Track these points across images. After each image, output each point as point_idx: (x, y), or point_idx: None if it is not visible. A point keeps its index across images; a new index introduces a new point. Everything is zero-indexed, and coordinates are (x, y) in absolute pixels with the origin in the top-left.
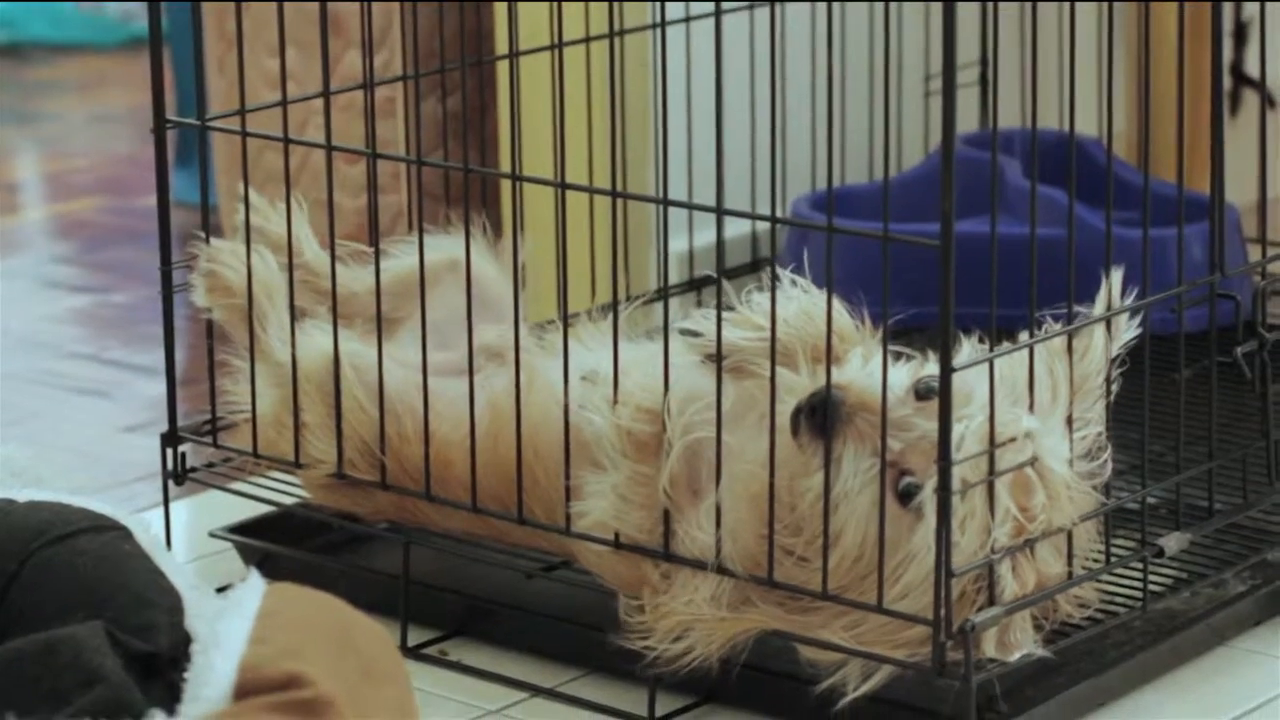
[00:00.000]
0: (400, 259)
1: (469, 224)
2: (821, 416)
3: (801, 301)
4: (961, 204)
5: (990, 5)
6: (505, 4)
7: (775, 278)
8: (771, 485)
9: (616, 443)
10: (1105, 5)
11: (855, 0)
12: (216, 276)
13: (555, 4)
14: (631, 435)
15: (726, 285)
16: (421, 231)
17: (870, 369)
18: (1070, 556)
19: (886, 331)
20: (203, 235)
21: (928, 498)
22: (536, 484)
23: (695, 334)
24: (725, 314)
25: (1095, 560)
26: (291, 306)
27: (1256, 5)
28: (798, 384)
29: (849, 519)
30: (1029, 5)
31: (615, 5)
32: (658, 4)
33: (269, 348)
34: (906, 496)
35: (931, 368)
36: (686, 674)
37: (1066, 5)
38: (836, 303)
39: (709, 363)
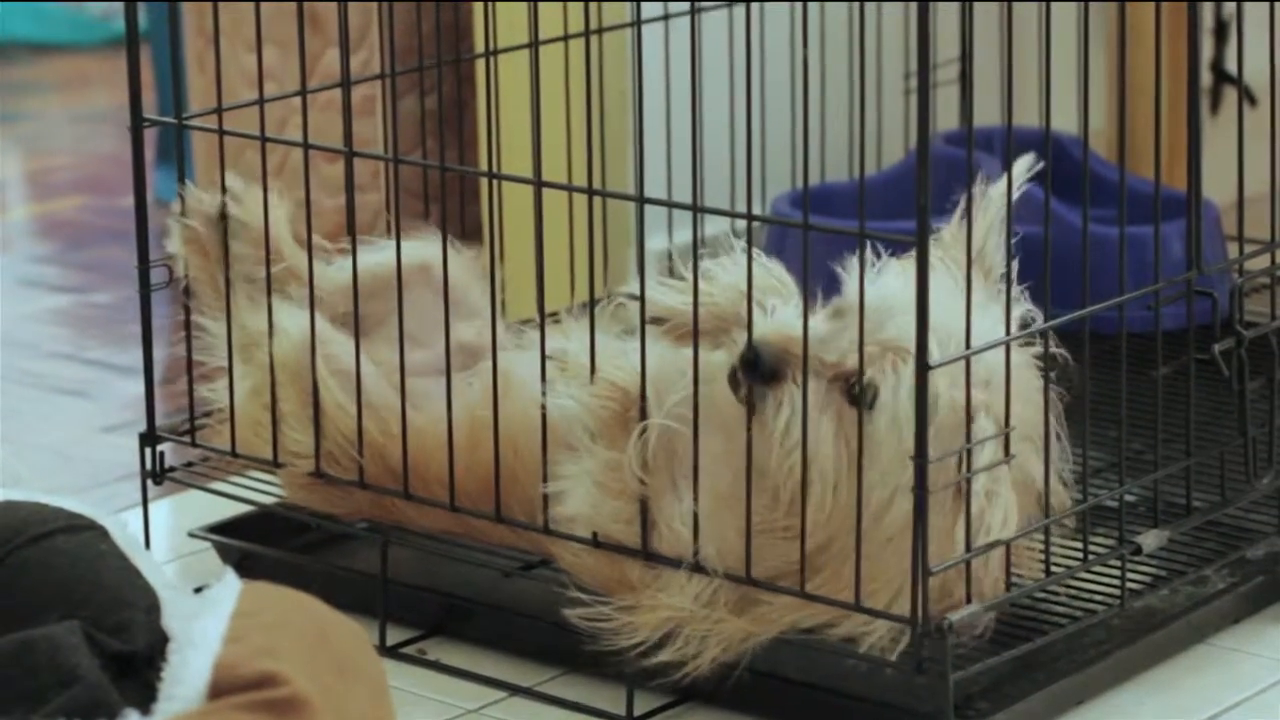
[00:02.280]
0: (368, 258)
1: (445, 223)
2: (754, 370)
3: (742, 269)
4: (941, 202)
5: (967, 2)
6: (483, 2)
7: (750, 274)
8: (749, 483)
9: (587, 422)
10: (1083, 2)
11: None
12: (193, 230)
13: (532, 2)
14: (600, 415)
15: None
16: (399, 231)
17: (779, 314)
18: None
19: (862, 328)
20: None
21: (879, 384)
22: (516, 482)
23: (636, 297)
24: (671, 280)
25: (1075, 557)
26: (269, 300)
27: (1235, 2)
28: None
29: (819, 448)
30: (1006, 2)
31: (593, 3)
32: (635, 2)
33: (237, 309)
34: (861, 399)
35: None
36: (682, 678)
37: (1044, 2)
38: (766, 261)
39: (656, 326)
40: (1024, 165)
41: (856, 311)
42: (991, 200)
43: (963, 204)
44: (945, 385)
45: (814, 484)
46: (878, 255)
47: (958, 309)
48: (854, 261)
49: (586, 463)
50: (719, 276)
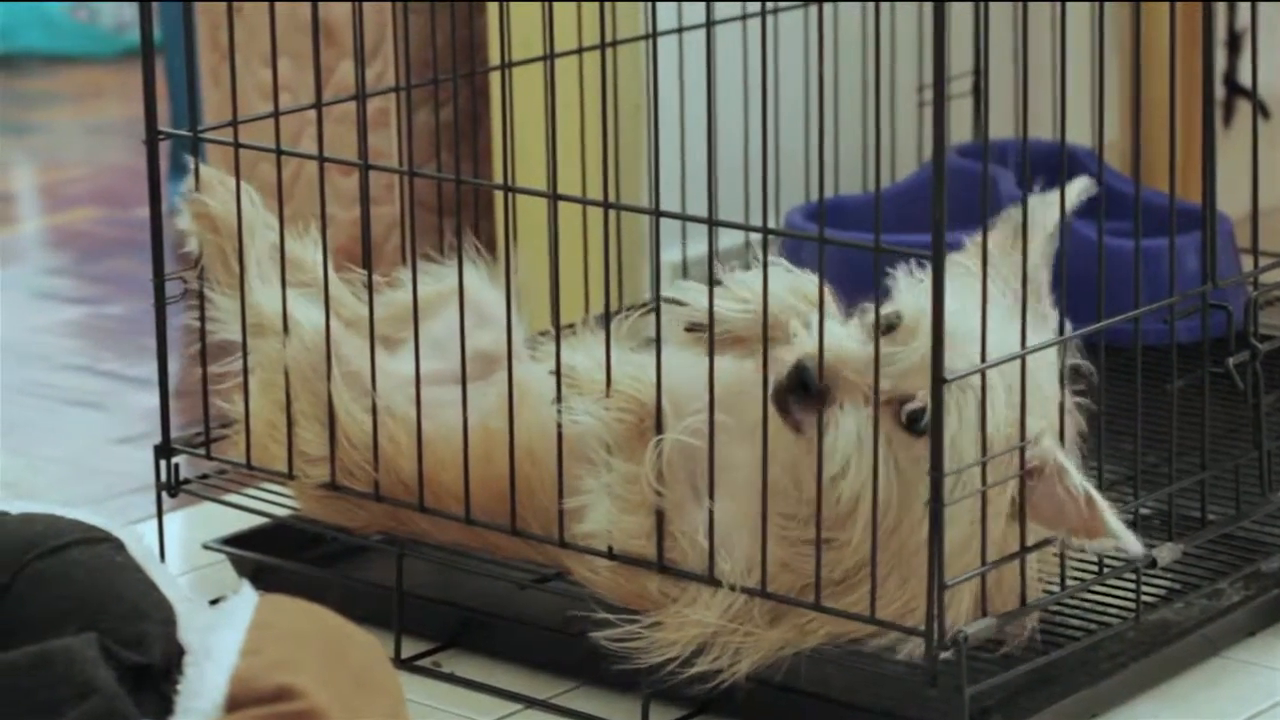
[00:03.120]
0: (408, 288)
1: (461, 235)
2: (804, 391)
3: (788, 277)
4: (955, 214)
5: (981, 10)
6: (498, 14)
7: (766, 290)
8: (764, 499)
9: (604, 436)
10: (1097, 14)
11: (849, 1)
12: (201, 204)
13: (547, 14)
14: (616, 429)
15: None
16: (414, 243)
17: (828, 329)
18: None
19: (878, 343)
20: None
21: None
22: (532, 494)
23: (680, 303)
24: (718, 288)
25: (1090, 570)
26: (283, 299)
27: (1249, 15)
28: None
29: (869, 475)
30: (1021, 14)
31: (607, 15)
32: (649, 13)
33: (247, 285)
34: (915, 422)
35: (887, 304)
36: (716, 685)
37: (1058, 14)
38: (802, 273)
39: (693, 333)
40: (1079, 188)
41: (912, 332)
42: (1041, 217)
43: (1011, 218)
44: (1002, 404)
45: (860, 505)
46: (922, 268)
47: (1012, 334)
48: (906, 275)
49: (605, 477)
50: (777, 285)
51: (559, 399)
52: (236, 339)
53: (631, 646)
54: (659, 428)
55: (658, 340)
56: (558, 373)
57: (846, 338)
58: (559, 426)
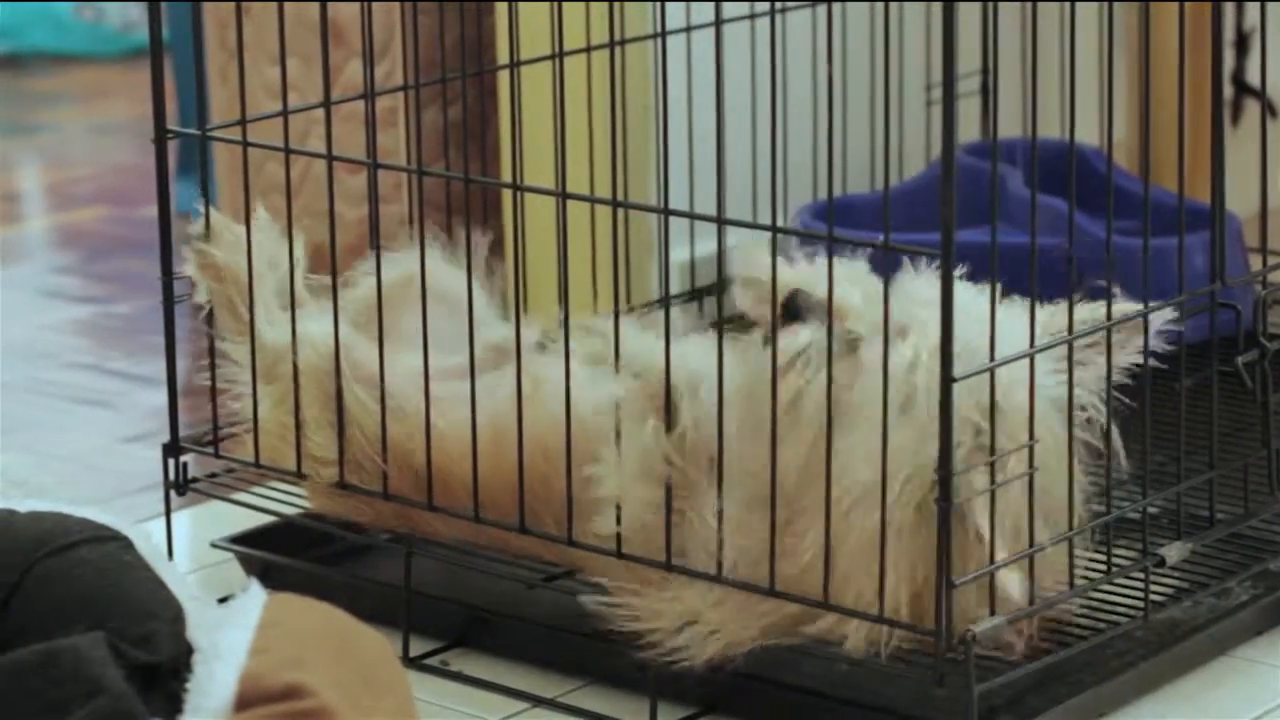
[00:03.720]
0: (360, 286)
1: (469, 235)
2: (787, 310)
3: (865, 280)
4: (963, 213)
5: (990, 10)
6: (506, 14)
7: (775, 288)
8: (773, 481)
9: (620, 411)
10: (1106, 13)
11: (857, 0)
12: (207, 254)
13: (556, 13)
14: (630, 408)
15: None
16: (423, 243)
17: (840, 292)
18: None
19: (887, 343)
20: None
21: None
22: (548, 485)
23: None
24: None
25: (1098, 569)
26: (292, 308)
27: (1258, 14)
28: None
29: (812, 390)
30: (1029, 14)
31: (616, 14)
32: (658, 12)
33: (256, 329)
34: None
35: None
36: (693, 680)
37: (1067, 14)
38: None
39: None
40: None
41: (897, 298)
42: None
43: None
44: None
45: (800, 427)
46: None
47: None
48: (913, 270)
49: (622, 446)
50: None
51: (567, 395)
52: (249, 391)
53: (621, 614)
54: (667, 411)
55: (666, 339)
56: (566, 371)
57: (845, 292)
58: (567, 425)
